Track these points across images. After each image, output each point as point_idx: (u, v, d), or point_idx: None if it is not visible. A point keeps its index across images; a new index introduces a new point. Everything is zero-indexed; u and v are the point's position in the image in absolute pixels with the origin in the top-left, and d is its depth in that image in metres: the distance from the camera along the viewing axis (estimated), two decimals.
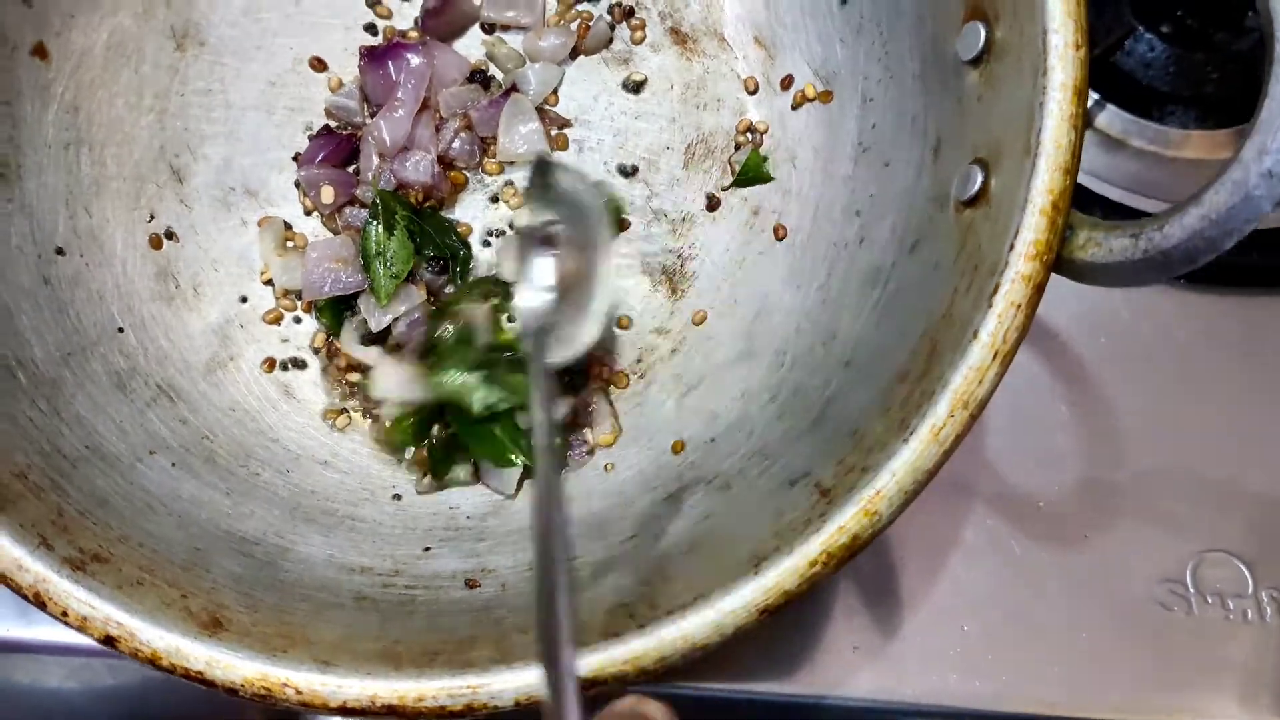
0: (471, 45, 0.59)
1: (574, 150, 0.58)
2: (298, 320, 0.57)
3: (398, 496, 0.54)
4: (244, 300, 0.57)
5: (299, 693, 0.42)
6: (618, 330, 0.57)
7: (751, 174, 0.57)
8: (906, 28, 0.51)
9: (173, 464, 0.51)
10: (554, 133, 0.57)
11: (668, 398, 0.56)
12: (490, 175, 0.58)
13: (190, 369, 0.54)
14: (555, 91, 0.58)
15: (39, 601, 0.41)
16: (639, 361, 0.57)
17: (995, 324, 0.42)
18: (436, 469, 0.54)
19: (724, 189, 0.58)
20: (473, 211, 0.58)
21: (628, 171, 0.58)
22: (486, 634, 0.45)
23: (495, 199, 0.58)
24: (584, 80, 0.59)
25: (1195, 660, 0.58)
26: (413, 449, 0.54)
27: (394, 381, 0.53)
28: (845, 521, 0.41)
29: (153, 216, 0.56)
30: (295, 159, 0.57)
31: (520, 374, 0.52)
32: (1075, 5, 0.42)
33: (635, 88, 0.58)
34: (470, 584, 0.49)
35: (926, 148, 0.50)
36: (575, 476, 0.55)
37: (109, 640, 0.41)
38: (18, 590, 0.41)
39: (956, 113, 0.48)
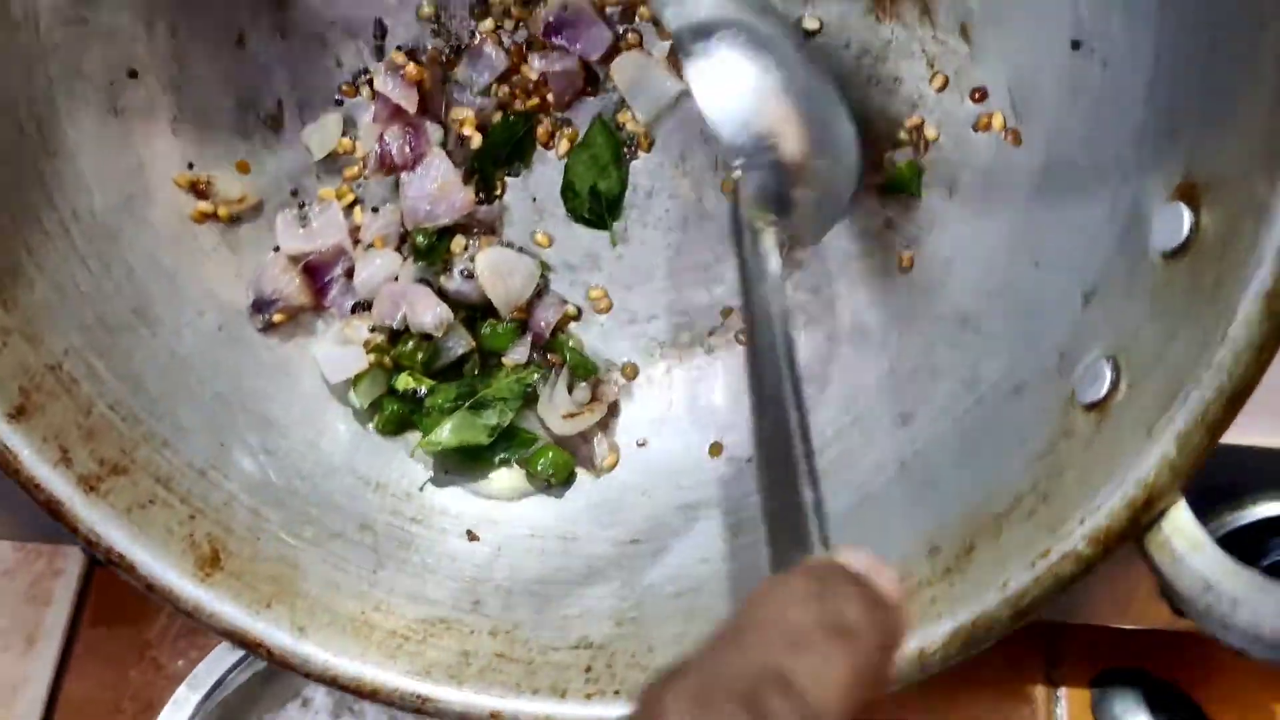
0: None
1: None
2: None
3: None
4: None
5: (270, 654, 0.45)
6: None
7: (901, 182, 0.48)
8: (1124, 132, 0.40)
9: (219, 327, 0.51)
10: None
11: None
12: None
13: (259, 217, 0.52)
14: None
15: (54, 515, 0.44)
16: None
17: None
18: None
19: (867, 183, 0.49)
20: None
21: None
22: (463, 624, 0.47)
23: None
24: None
25: None
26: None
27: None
28: None
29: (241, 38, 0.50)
30: None
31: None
32: None
33: (807, 34, 0.47)
34: (471, 536, 0.51)
35: (1077, 291, 0.42)
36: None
37: (112, 563, 0.45)
38: (35, 501, 0.44)
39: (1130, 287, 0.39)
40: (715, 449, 0.51)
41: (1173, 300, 0.37)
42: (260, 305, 0.51)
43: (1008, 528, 0.40)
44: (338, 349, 0.51)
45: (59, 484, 0.43)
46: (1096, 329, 0.41)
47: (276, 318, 0.51)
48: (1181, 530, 0.38)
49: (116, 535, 0.44)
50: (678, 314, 0.53)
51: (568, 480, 0.52)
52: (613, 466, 0.52)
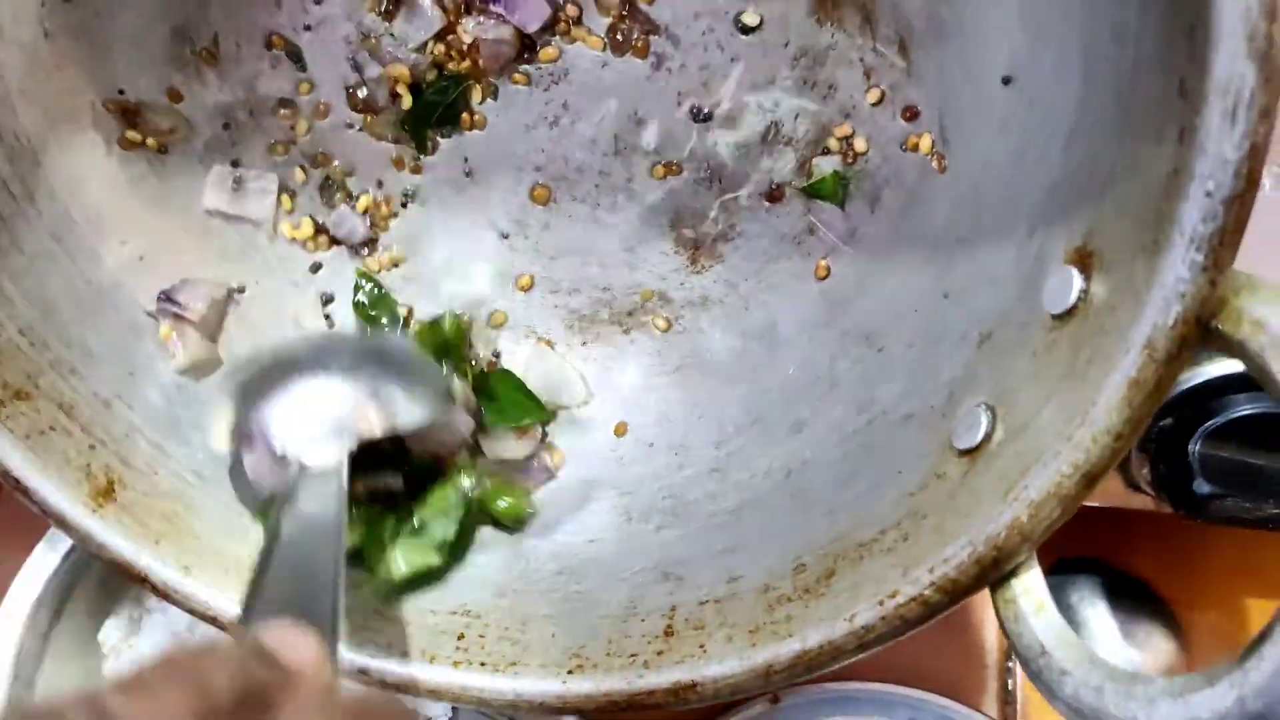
0: None
1: (650, 63, 0.48)
2: None
3: None
4: None
5: (154, 588, 0.47)
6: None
7: (825, 190, 0.47)
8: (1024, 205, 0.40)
9: (140, 257, 0.50)
10: (635, 35, 0.47)
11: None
12: None
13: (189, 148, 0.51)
14: None
15: None
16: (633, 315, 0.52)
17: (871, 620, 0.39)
18: None
19: (790, 185, 0.49)
20: None
21: (700, 115, 0.48)
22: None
23: None
24: None
25: None
26: None
27: None
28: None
29: None
30: None
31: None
32: None
33: (745, 29, 0.46)
34: None
35: (975, 331, 0.41)
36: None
37: (8, 485, 0.46)
38: None
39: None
40: (620, 428, 0.52)
41: (1053, 364, 0.37)
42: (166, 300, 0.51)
43: (868, 559, 0.41)
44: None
45: None
46: (984, 374, 0.41)
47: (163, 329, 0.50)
48: (1029, 590, 0.38)
49: (14, 460, 0.45)
50: (599, 289, 0.52)
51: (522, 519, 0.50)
52: (561, 464, 0.52)
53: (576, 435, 0.53)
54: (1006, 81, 0.41)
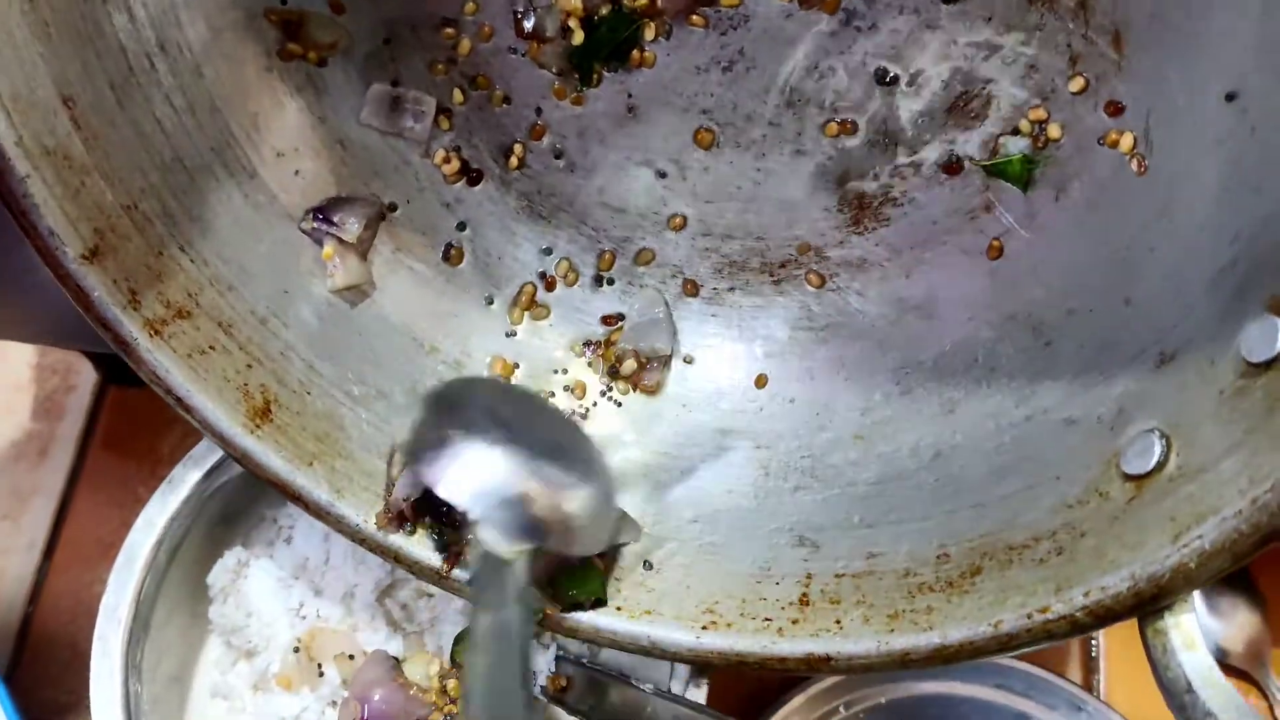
0: None
1: (840, 17, 0.45)
2: None
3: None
4: None
5: (308, 507, 0.48)
6: None
7: (1010, 171, 0.45)
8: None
9: (296, 172, 0.49)
10: None
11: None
12: None
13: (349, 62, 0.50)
14: None
15: (123, 355, 0.45)
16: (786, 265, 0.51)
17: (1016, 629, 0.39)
18: None
19: (972, 160, 0.46)
20: None
21: (883, 78, 0.46)
22: None
23: None
24: None
25: None
26: None
27: None
28: None
29: None
30: None
31: None
32: None
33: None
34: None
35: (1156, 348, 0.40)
36: None
37: (173, 404, 0.46)
38: (105, 340, 0.45)
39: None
40: (761, 380, 0.52)
41: (1242, 412, 0.36)
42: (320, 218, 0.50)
43: (1018, 564, 0.42)
44: None
45: (127, 326, 0.45)
46: (1161, 398, 0.40)
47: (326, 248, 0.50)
48: (1181, 625, 0.39)
49: (176, 379, 0.46)
50: (753, 238, 0.51)
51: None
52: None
53: (709, 378, 0.53)
54: (1230, 98, 0.38)
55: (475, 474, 0.42)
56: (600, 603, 0.47)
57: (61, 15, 0.41)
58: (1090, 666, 0.63)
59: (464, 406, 0.46)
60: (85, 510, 0.69)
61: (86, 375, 0.71)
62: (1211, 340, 0.39)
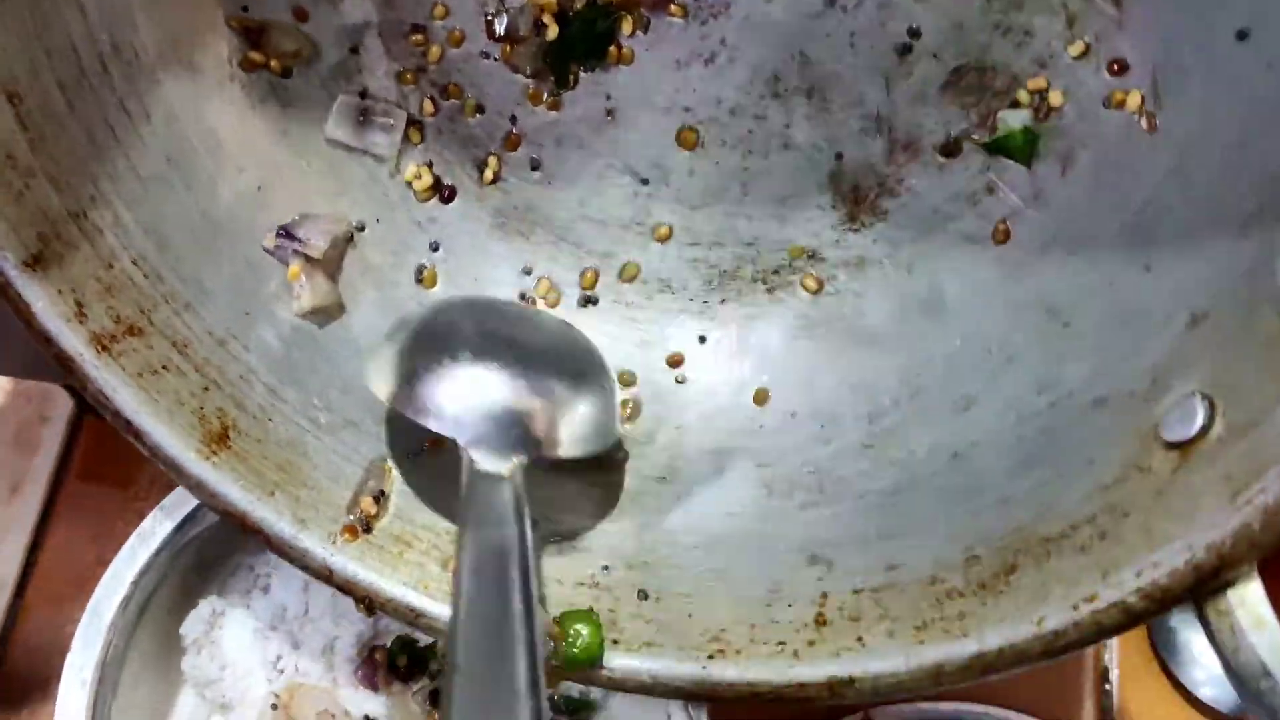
0: None
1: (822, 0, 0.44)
2: None
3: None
4: None
5: (269, 541, 0.44)
6: None
7: (1012, 146, 0.43)
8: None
9: (259, 187, 0.47)
10: None
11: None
12: None
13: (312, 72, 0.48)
14: None
15: (64, 371, 0.42)
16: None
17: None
18: None
19: (970, 139, 0.44)
20: None
21: (899, 49, 0.44)
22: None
23: None
24: None
25: None
26: None
27: None
28: None
29: None
30: None
31: None
32: None
33: None
34: None
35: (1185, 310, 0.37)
36: None
37: (120, 427, 0.43)
38: (46, 355, 0.42)
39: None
40: (760, 395, 0.48)
41: None
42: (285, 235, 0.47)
43: (1056, 556, 0.37)
44: None
45: (70, 340, 0.41)
46: (1198, 359, 0.37)
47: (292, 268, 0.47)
48: (1246, 603, 0.34)
49: (125, 399, 0.42)
50: (743, 244, 0.48)
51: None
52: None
53: (703, 396, 0.50)
54: (1242, 36, 0.36)
55: (460, 397, 0.40)
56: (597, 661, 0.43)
57: (7, 6, 0.40)
58: None
59: (443, 333, 0.43)
60: (60, 546, 0.65)
61: (62, 405, 0.68)
62: (1245, 292, 0.36)
